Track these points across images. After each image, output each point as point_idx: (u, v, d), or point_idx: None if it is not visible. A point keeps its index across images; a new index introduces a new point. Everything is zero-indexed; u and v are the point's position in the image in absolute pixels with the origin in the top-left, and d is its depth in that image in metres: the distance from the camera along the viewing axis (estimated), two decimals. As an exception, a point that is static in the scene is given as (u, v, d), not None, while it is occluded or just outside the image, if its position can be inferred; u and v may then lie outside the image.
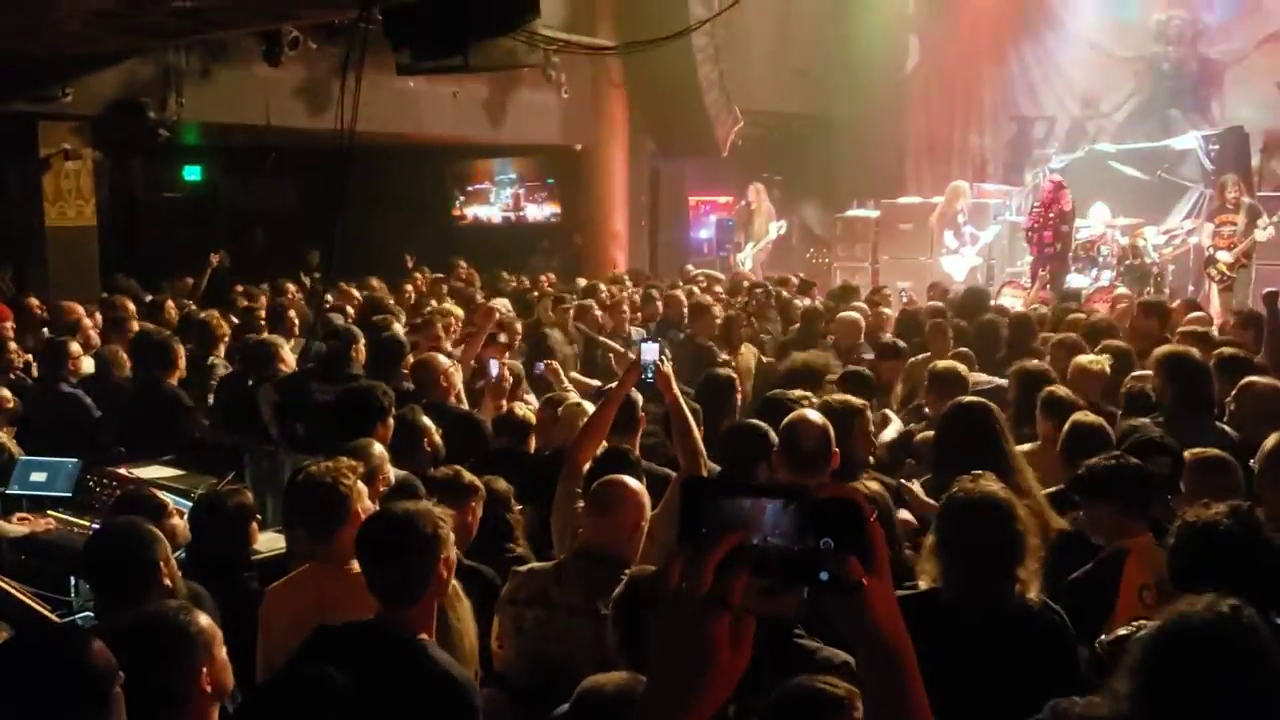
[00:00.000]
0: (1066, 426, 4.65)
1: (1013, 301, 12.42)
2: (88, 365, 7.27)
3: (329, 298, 9.77)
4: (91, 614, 4.71)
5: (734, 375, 6.22)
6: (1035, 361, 6.30)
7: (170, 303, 9.84)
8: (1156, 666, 2.21)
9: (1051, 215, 13.04)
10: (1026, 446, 4.98)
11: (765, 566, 1.21)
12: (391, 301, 9.98)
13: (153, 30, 8.45)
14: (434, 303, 9.95)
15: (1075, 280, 13.30)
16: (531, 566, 3.72)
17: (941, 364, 6.19)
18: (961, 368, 6.14)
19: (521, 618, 3.56)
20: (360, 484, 3.65)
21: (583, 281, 12.14)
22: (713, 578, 1.22)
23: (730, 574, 1.22)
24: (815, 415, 4.33)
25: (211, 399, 7.38)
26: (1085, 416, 4.69)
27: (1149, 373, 5.89)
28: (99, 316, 8.73)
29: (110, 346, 7.68)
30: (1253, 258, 12.74)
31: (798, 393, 5.00)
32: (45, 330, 8.48)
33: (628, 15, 13.79)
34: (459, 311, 8.97)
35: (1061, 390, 5.34)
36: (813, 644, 3.00)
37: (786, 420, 4.34)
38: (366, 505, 3.57)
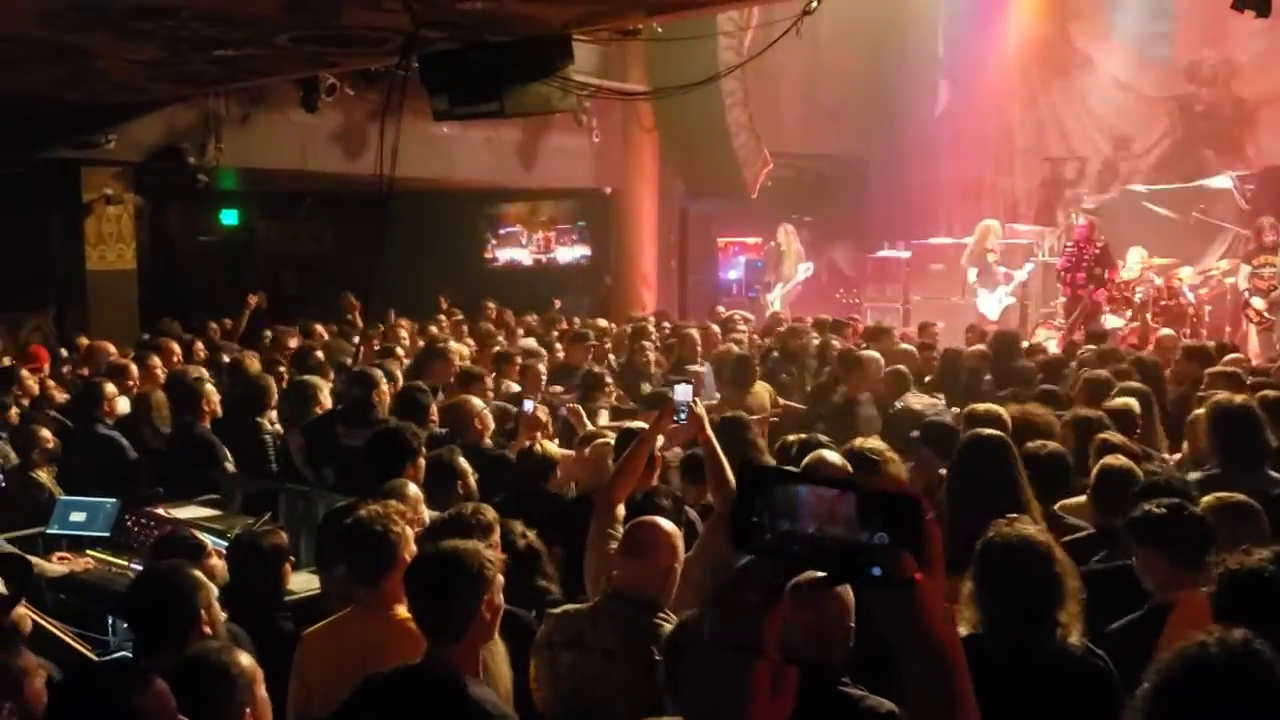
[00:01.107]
0: (1096, 471, 4.57)
1: (1047, 342, 12.35)
2: (123, 406, 7.35)
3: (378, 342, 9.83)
4: (129, 654, 4.74)
5: (744, 415, 6.22)
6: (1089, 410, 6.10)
7: (199, 344, 9.97)
8: (1172, 700, 2.17)
9: (1086, 257, 12.99)
10: (1079, 499, 4.80)
11: (817, 560, 1.19)
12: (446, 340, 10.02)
13: (194, 78, 8.63)
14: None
15: (1111, 321, 13.21)
16: (566, 609, 3.69)
17: (981, 407, 6.13)
18: (1002, 410, 6.05)
19: (557, 661, 3.53)
20: (409, 529, 3.66)
21: (603, 322, 12.20)
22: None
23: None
24: (834, 456, 4.48)
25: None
26: (1116, 460, 4.60)
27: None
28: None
29: (144, 387, 7.78)
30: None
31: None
32: (85, 370, 8.61)
33: (658, 60, 13.89)
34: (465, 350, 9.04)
35: (1116, 437, 5.13)
36: (858, 692, 2.97)
37: (805, 461, 4.46)
38: (412, 550, 3.58)
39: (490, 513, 4.08)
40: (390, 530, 3.58)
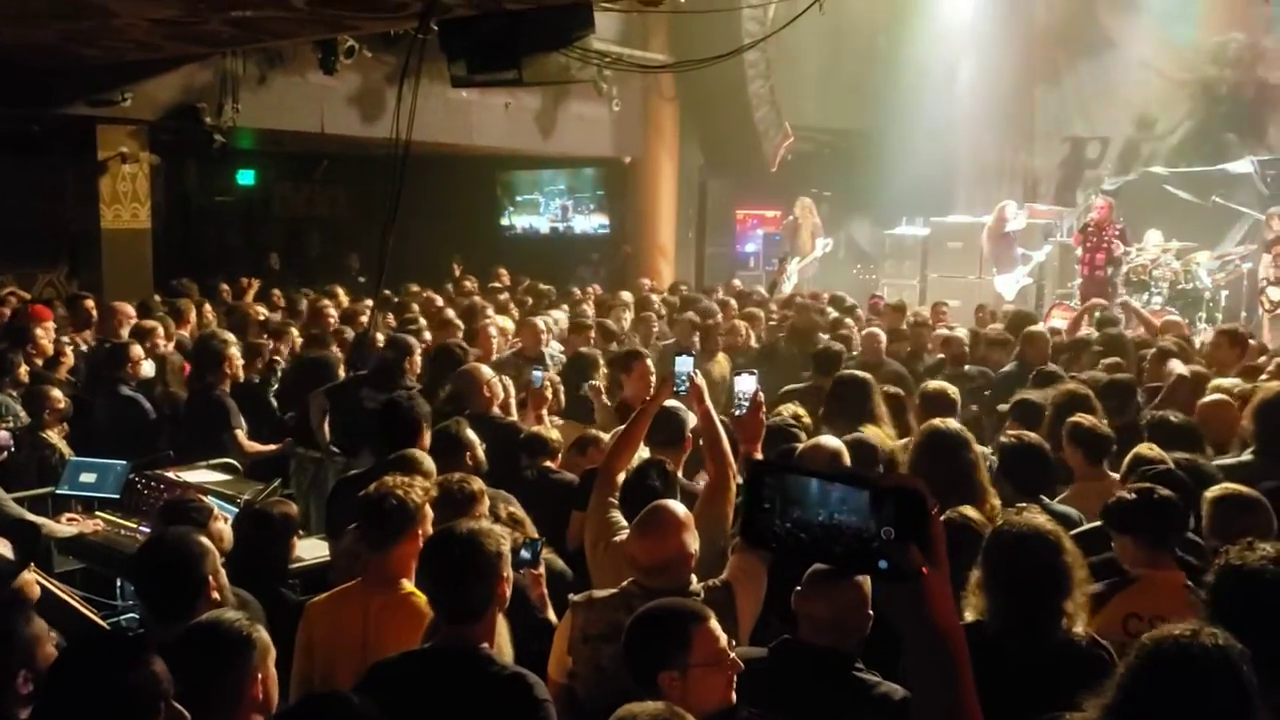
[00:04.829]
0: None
1: (1062, 324, 12.25)
2: (148, 369, 7.36)
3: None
4: (136, 616, 4.77)
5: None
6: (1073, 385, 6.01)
7: (208, 305, 9.97)
8: (1134, 684, 2.26)
9: (1106, 238, 12.89)
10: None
11: (826, 551, 1.21)
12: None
13: (211, 38, 8.58)
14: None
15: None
16: (592, 597, 3.52)
17: (933, 385, 6.28)
18: (953, 390, 6.13)
19: (600, 654, 3.39)
20: (429, 508, 3.64)
21: (626, 295, 12.11)
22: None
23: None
24: (830, 441, 4.64)
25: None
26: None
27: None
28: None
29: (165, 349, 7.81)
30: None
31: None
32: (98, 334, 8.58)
33: (680, 30, 13.81)
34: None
35: (1088, 420, 5.09)
36: (872, 678, 2.96)
37: (801, 448, 4.66)
38: (428, 529, 3.56)
39: (476, 483, 4.06)
40: (409, 499, 3.55)
